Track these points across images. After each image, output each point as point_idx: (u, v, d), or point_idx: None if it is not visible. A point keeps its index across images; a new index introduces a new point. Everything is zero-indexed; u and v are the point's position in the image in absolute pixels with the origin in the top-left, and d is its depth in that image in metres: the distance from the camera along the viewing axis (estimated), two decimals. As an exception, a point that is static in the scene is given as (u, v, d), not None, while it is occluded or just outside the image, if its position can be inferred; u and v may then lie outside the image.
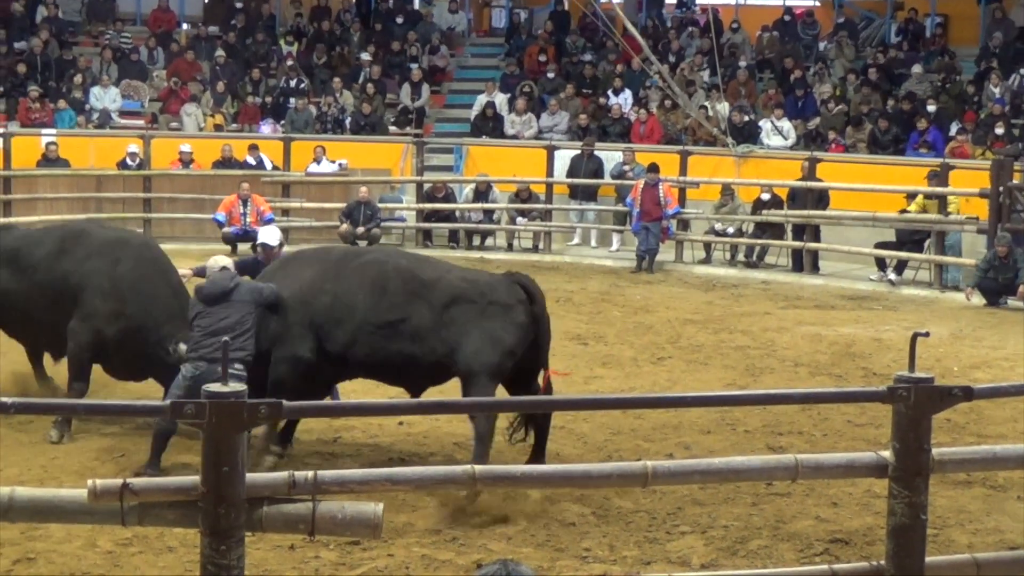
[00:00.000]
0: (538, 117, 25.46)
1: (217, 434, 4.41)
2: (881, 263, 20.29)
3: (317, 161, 23.37)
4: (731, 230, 21.76)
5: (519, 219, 22.93)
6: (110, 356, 11.01)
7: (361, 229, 21.62)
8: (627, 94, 26.01)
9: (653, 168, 21.30)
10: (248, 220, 20.97)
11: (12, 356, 12.26)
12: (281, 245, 11.67)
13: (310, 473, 4.51)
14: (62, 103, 24.89)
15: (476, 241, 23.12)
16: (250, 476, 4.48)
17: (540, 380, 10.11)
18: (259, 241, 12.02)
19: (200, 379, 9.01)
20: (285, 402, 4.53)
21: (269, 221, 21.08)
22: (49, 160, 22.58)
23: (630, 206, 21.38)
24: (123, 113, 26.12)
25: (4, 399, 4.39)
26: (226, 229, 21.11)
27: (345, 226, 21.60)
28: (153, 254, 11.34)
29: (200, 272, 10.85)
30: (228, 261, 10.26)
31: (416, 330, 9.85)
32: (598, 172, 22.95)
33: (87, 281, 10.93)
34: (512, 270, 10.86)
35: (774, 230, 21.44)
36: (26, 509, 4.56)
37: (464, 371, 9.79)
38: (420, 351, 9.84)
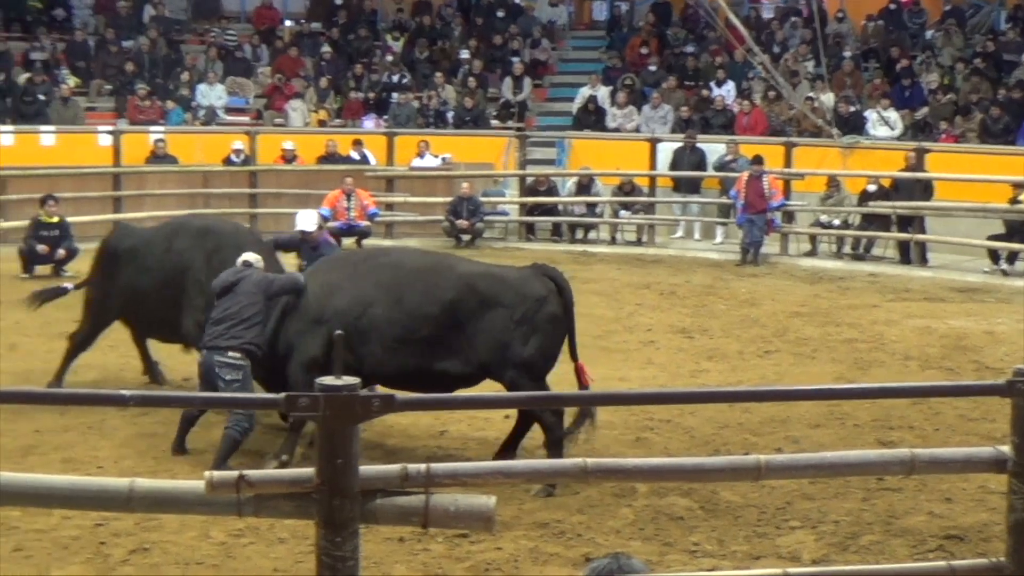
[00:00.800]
0: (640, 110, 25.36)
1: (331, 427, 4.43)
2: (995, 255, 19.91)
3: (420, 156, 23.49)
4: (837, 222, 21.50)
5: (622, 212, 22.87)
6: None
7: (465, 223, 21.70)
8: (730, 85, 25.82)
9: (758, 160, 21.13)
10: (353, 214, 21.12)
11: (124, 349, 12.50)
12: (320, 229, 12.23)
13: (423, 466, 4.53)
14: (170, 103, 25.26)
15: (579, 235, 23.09)
16: (364, 468, 4.50)
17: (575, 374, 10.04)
18: (298, 228, 12.30)
19: (204, 366, 9.60)
20: (397, 394, 4.55)
21: (374, 215, 21.27)
22: (158, 157, 22.92)
23: (735, 198, 21.22)
24: (229, 110, 26.43)
25: (124, 392, 4.46)
26: (331, 224, 21.27)
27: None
28: (242, 241, 11.60)
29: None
30: (254, 257, 10.50)
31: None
32: (701, 164, 22.81)
33: (187, 272, 11.47)
34: (537, 262, 10.80)
35: (881, 222, 21.13)
36: (145, 500, 4.62)
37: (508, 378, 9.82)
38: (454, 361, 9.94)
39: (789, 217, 21.83)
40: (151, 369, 12.52)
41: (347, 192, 21.20)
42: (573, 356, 10.07)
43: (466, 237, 22.03)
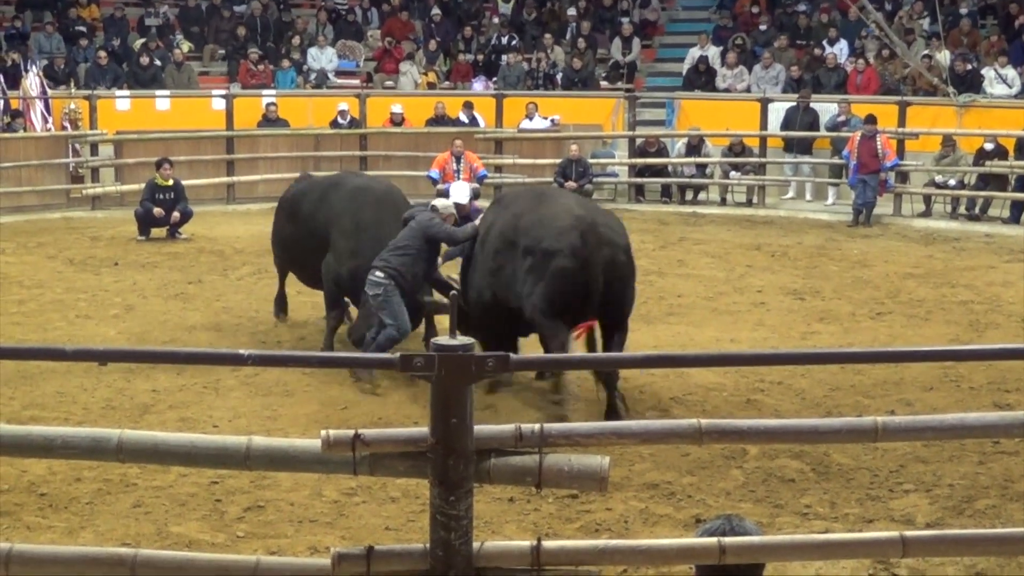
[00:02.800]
0: (750, 69, 25.09)
1: (446, 386, 4.45)
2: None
3: (529, 117, 23.46)
4: (952, 182, 21.12)
5: (732, 173, 22.66)
6: (350, 291, 11.94)
7: (574, 185, 21.65)
8: (843, 44, 25.42)
9: (870, 119, 20.79)
10: (461, 176, 21.15)
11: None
12: (475, 197, 12.47)
13: (537, 425, 4.53)
14: (285, 63, 25.48)
15: (689, 196, 22.94)
16: (478, 428, 4.52)
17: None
18: (451, 200, 12.50)
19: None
20: (512, 355, 4.56)
21: (482, 178, 21.29)
22: (269, 120, 23.16)
23: (847, 159, 20.91)
24: (339, 73, 26.60)
25: (242, 351, 4.52)
26: (440, 186, 21.35)
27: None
28: (393, 199, 12.27)
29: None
30: (443, 203, 11.60)
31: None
32: (813, 124, 22.50)
33: (335, 223, 12.06)
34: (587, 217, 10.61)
35: (997, 181, 20.72)
36: (263, 457, 4.69)
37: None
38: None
39: (903, 177, 21.48)
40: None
41: (456, 154, 21.24)
42: (590, 315, 10.18)
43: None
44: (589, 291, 10.04)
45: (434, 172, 21.29)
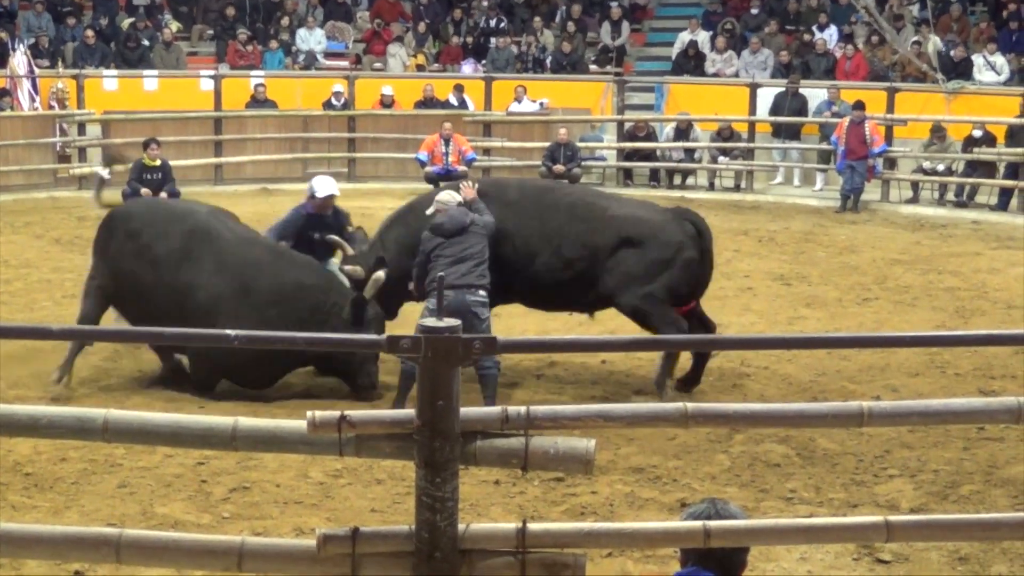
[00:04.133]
0: (739, 54, 25.07)
1: (432, 368, 4.45)
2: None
3: (518, 100, 23.43)
4: (940, 167, 21.14)
5: (721, 158, 22.66)
6: None
7: (561, 168, 21.64)
8: (832, 30, 25.43)
9: (859, 106, 20.80)
10: (450, 159, 21.12)
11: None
12: (331, 196, 11.45)
13: (523, 408, 4.54)
14: (273, 44, 25.41)
15: (677, 180, 22.94)
16: (464, 410, 4.53)
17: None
18: (318, 193, 11.43)
19: (455, 304, 9.41)
20: (499, 337, 4.56)
21: (471, 160, 21.26)
22: (258, 101, 23.10)
23: (835, 144, 20.92)
24: (328, 54, 26.54)
25: (229, 331, 4.52)
26: (428, 168, 21.32)
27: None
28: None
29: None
30: (458, 197, 10.39)
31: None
32: (802, 110, 22.51)
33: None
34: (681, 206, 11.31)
35: (985, 168, 20.76)
36: (249, 438, 4.69)
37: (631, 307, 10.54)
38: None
39: (891, 163, 21.51)
40: None
41: (445, 137, 21.21)
42: (696, 296, 10.77)
43: (563, 182, 21.99)
44: (703, 278, 10.78)
45: (422, 155, 21.26)
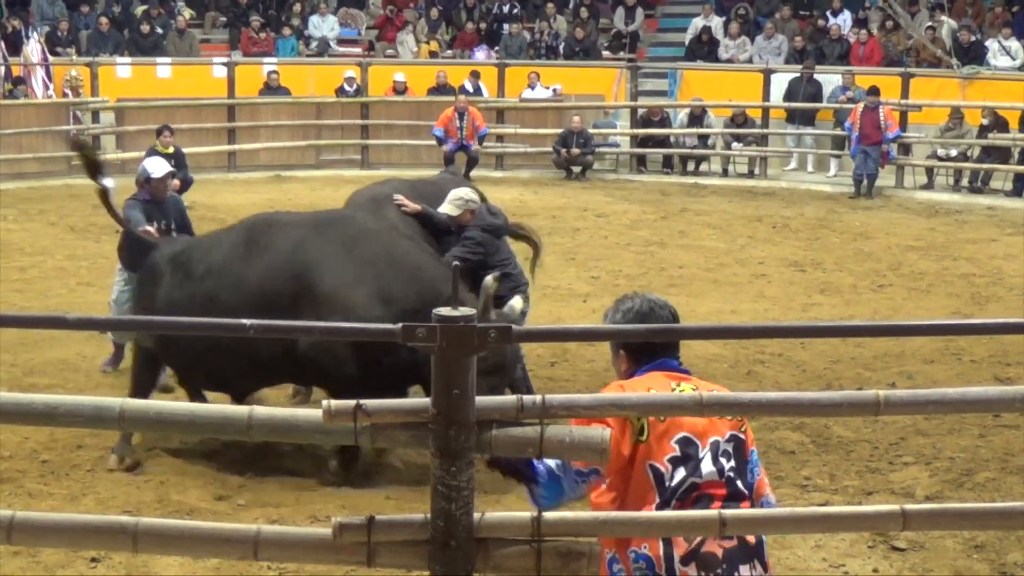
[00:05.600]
0: (753, 40, 25.01)
1: (448, 357, 4.45)
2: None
3: (531, 87, 23.41)
4: (955, 153, 21.06)
5: (735, 144, 22.62)
6: None
7: (576, 151, 21.61)
8: (846, 15, 25.34)
9: (874, 91, 20.74)
10: (464, 133, 21.14)
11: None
12: (169, 175, 10.52)
13: (538, 397, 4.52)
14: (286, 31, 25.40)
15: (691, 166, 22.92)
16: (479, 399, 4.52)
17: None
18: (152, 174, 10.44)
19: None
20: (514, 327, 4.55)
21: (484, 136, 21.31)
22: (271, 88, 23.11)
23: (849, 130, 20.87)
24: (341, 41, 26.53)
25: (245, 320, 4.52)
26: (445, 146, 21.29)
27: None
28: None
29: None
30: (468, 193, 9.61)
31: None
32: (817, 96, 22.45)
33: None
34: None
35: (1000, 154, 20.68)
36: (264, 426, 4.68)
37: None
38: None
39: (905, 149, 21.45)
40: None
41: (459, 111, 21.17)
42: None
43: (576, 169, 21.98)
44: None
45: (438, 130, 21.24)
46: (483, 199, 9.83)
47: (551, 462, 4.65)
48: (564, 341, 10.63)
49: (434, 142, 21.60)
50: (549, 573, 4.62)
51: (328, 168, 22.48)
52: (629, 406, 4.71)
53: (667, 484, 4.50)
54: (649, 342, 4.73)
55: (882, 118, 20.41)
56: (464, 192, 9.54)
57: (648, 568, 4.49)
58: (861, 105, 20.66)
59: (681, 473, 4.50)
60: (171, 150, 18.36)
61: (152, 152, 18.19)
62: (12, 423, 5.10)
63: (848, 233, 17.42)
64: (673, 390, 4.59)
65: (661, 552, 4.48)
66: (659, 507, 4.49)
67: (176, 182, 11.90)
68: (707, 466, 4.53)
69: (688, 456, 4.52)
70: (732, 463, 4.56)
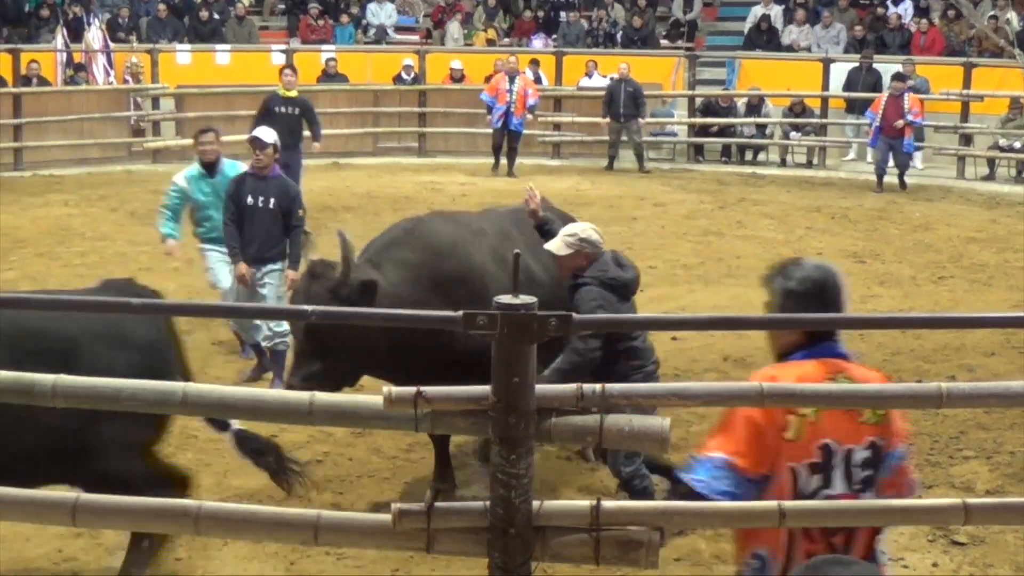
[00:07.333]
0: (812, 29, 24.83)
1: (508, 345, 4.45)
2: None
3: (588, 75, 23.36)
4: (1017, 144, 20.82)
5: (793, 133, 22.49)
6: None
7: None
8: (907, 4, 25.14)
9: (899, 77, 20.26)
10: (514, 97, 20.79)
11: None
12: (275, 147, 10.24)
13: (598, 386, 4.52)
14: (344, 18, 25.48)
15: (748, 156, 22.81)
16: (539, 387, 4.52)
17: None
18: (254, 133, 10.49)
19: None
20: (574, 315, 4.55)
21: (533, 107, 21.11)
22: (329, 76, 23.18)
23: (872, 120, 20.23)
24: (398, 29, 26.59)
25: (305, 307, 4.54)
26: (492, 116, 20.94)
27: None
28: None
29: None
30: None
31: None
32: (877, 85, 22.26)
33: None
34: None
35: (1064, 145, 20.44)
36: (325, 412, 4.71)
37: None
38: None
39: (967, 140, 21.23)
40: None
41: (509, 74, 20.94)
42: None
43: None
44: None
45: (487, 96, 21.04)
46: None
47: (711, 484, 4.45)
48: (623, 330, 10.58)
49: (490, 128, 21.38)
50: (607, 562, 4.62)
51: (385, 156, 22.54)
52: (690, 396, 4.70)
53: (802, 490, 4.38)
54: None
55: (907, 106, 19.81)
56: (581, 228, 7.33)
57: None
58: (886, 93, 20.26)
59: (816, 482, 4.38)
60: (294, 93, 16.63)
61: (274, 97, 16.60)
62: (78, 406, 5.15)
63: (907, 224, 17.28)
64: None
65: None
66: None
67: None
68: (838, 478, 4.39)
69: (825, 464, 4.38)
70: (865, 473, 4.42)
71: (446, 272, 7.56)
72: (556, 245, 7.19)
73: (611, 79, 21.80)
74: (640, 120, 21.51)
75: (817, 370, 4.46)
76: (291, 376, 7.22)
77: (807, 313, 4.52)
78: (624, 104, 21.33)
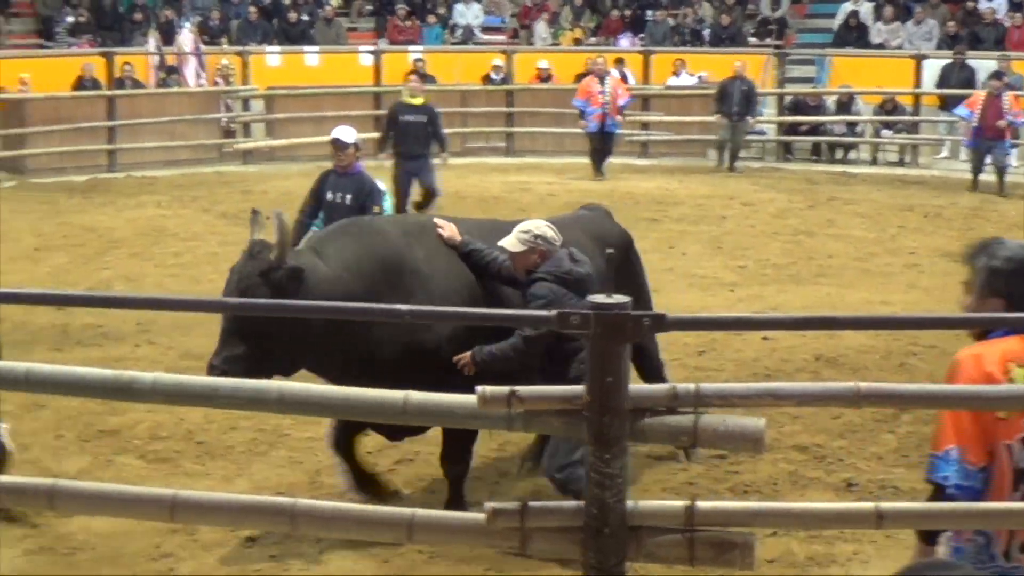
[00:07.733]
0: (903, 25, 24.55)
1: (601, 345, 4.44)
2: None
3: (676, 74, 23.27)
4: (1117, 142, 20.43)
5: (884, 132, 22.24)
6: None
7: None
8: (1002, -1, 24.79)
9: (997, 75, 19.84)
10: (607, 99, 20.60)
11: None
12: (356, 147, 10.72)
13: (692, 385, 4.50)
14: (432, 19, 25.60)
15: (839, 154, 22.59)
16: (633, 387, 4.51)
17: None
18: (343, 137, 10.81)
19: None
20: (668, 314, 4.53)
21: (624, 107, 20.80)
22: (418, 76, 23.22)
23: (969, 118, 19.67)
24: (485, 29, 26.67)
25: (400, 306, 4.56)
26: (587, 120, 20.73)
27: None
28: None
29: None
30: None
31: None
32: (970, 82, 21.92)
33: None
34: None
35: None
36: (420, 411, 4.73)
37: None
38: None
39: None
40: None
41: (599, 75, 20.79)
42: None
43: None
44: None
45: (579, 100, 20.85)
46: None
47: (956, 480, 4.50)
48: (715, 330, 10.54)
49: (579, 129, 21.24)
50: (702, 563, 4.60)
51: (473, 156, 22.59)
52: (785, 396, 4.67)
53: (1018, 463, 4.41)
54: None
55: (1006, 105, 19.30)
56: (535, 225, 7.29)
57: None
58: (984, 92, 19.81)
59: None
60: (420, 100, 16.31)
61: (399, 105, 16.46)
62: (174, 404, 5.23)
63: (1003, 223, 16.98)
64: None
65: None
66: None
67: None
68: None
69: None
70: None
71: (387, 260, 7.38)
72: (510, 242, 7.16)
73: (700, 77, 21.68)
74: (750, 119, 21.32)
75: (1021, 345, 4.51)
76: (213, 356, 6.97)
77: (1014, 290, 4.62)
78: (738, 102, 21.14)
